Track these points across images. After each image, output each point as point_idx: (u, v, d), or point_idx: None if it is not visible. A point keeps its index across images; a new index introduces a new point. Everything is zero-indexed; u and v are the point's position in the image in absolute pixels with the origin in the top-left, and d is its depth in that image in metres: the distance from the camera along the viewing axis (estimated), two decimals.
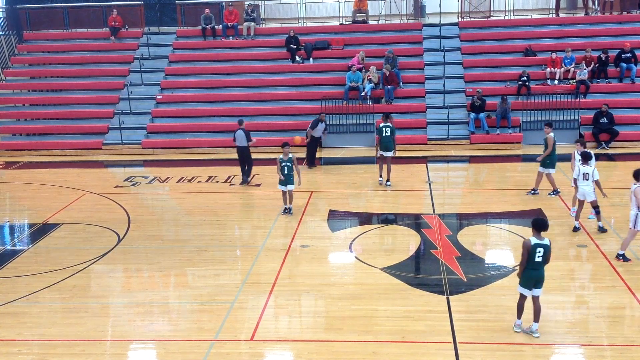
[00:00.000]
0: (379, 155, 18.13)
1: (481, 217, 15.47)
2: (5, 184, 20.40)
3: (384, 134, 17.96)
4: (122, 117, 23.74)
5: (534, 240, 9.56)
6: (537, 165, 19.83)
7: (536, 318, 9.82)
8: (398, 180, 18.75)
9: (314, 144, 20.57)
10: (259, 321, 10.52)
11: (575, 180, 13.83)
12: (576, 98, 22.42)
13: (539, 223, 9.66)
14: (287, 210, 15.67)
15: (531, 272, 9.64)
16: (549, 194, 16.51)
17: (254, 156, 19.81)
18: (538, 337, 9.74)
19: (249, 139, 18.50)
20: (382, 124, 18.11)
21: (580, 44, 24.31)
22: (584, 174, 13.72)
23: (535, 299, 9.78)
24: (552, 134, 16.43)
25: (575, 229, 13.99)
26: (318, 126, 20.23)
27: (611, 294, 11.17)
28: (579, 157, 14.34)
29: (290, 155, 15.57)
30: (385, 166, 18.08)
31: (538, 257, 9.53)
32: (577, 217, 14.11)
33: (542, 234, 9.62)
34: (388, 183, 18.05)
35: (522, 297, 9.89)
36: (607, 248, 13.08)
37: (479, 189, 18.48)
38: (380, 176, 18.32)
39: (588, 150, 14.26)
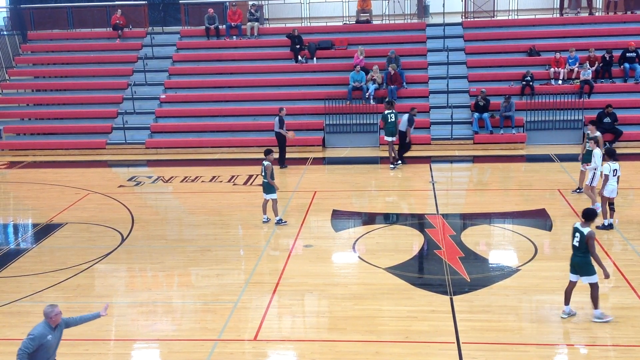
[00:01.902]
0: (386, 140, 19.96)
1: (485, 217, 15.45)
2: (9, 184, 20.45)
3: (389, 120, 19.69)
4: (125, 117, 23.76)
5: (577, 224, 10.11)
6: (541, 166, 19.87)
7: (594, 305, 10.12)
8: (402, 180, 18.76)
9: (403, 139, 20.13)
10: (263, 321, 10.52)
11: (607, 177, 13.72)
12: (580, 98, 22.37)
13: (586, 212, 10.14)
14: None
15: (571, 254, 10.15)
16: (573, 192, 16.40)
17: (254, 156, 19.91)
18: (601, 322, 10.02)
19: (280, 126, 19.95)
20: (387, 111, 19.83)
21: (584, 43, 24.25)
22: (614, 170, 13.75)
23: (591, 286, 10.06)
24: (598, 132, 16.09)
25: (611, 226, 13.94)
26: (412, 121, 20.12)
27: (615, 294, 11.15)
28: (599, 155, 14.37)
29: None
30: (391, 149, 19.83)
31: (575, 241, 10.02)
32: (605, 215, 14.02)
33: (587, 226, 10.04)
34: (392, 166, 19.64)
35: (570, 283, 10.22)
36: (611, 248, 13.06)
37: (483, 189, 18.46)
38: (397, 159, 19.89)
39: (611, 147, 14.33)
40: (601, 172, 14.06)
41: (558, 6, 27.34)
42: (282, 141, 20.16)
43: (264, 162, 14.87)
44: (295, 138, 20.54)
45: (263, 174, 14.87)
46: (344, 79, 23.95)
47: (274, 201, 14.95)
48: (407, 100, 23.68)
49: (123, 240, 14.46)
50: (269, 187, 14.87)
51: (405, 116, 20.07)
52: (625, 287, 11.33)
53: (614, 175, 13.75)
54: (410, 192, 17.65)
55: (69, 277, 12.45)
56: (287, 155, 20.60)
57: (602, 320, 10.03)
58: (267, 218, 15.12)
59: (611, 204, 13.98)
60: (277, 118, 20.22)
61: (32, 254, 13.96)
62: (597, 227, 13.98)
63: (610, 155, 13.94)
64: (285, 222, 15.01)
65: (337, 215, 15.68)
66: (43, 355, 7.80)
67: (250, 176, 19.32)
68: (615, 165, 13.80)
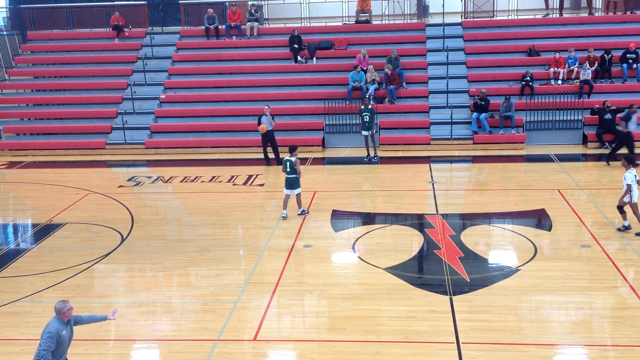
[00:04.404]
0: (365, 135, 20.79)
1: (484, 217, 15.45)
2: (9, 184, 20.44)
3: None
4: (125, 117, 23.75)
5: None
6: (541, 166, 19.86)
7: None
8: (401, 180, 18.76)
9: (629, 139, 19.29)
10: (262, 321, 10.52)
11: (630, 186, 13.47)
12: (580, 98, 22.37)
13: None
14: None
15: None
16: None
17: (254, 156, 20.05)
18: None
19: (259, 122, 20.63)
20: (370, 107, 20.80)
21: (583, 43, 24.25)
22: (635, 175, 13.57)
23: None
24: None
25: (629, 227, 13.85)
26: (632, 118, 19.42)
27: (615, 295, 11.15)
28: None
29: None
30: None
31: None
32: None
33: None
34: (366, 159, 20.79)
35: None
36: (610, 248, 13.05)
37: (482, 189, 18.46)
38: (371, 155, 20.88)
39: (630, 154, 14.18)
40: (628, 184, 13.52)
41: (547, 7, 27.33)
42: (273, 138, 20.59)
43: (290, 158, 15.27)
44: (266, 131, 20.62)
45: (288, 169, 15.22)
46: (344, 79, 23.95)
47: (299, 195, 15.53)
48: (407, 100, 23.70)
49: (123, 240, 14.45)
50: (295, 182, 15.32)
51: (625, 113, 19.79)
52: (625, 287, 11.34)
53: (636, 181, 13.51)
54: (410, 192, 17.64)
55: (69, 277, 12.45)
56: (287, 155, 20.60)
57: None
58: (303, 210, 15.60)
59: (621, 206, 13.84)
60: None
61: (32, 254, 13.95)
62: (637, 234, 13.66)
63: (630, 162, 13.70)
64: (308, 212, 15.59)
65: (336, 215, 15.67)
66: (59, 352, 7.82)
67: (250, 176, 19.32)
68: (634, 171, 13.54)
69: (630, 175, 13.51)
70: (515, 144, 21.82)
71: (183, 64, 26.46)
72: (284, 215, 15.37)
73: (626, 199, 13.61)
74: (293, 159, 15.29)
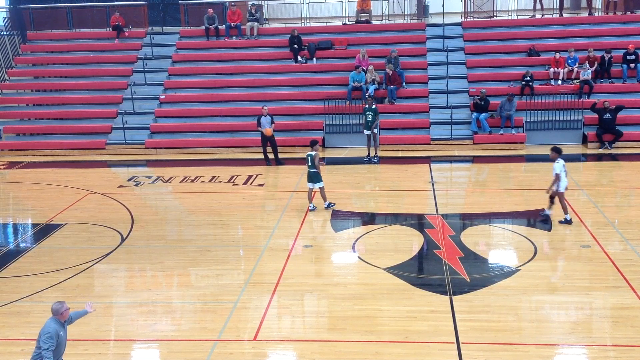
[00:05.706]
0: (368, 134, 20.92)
1: (484, 217, 15.44)
2: (8, 184, 20.44)
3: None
4: (125, 117, 23.76)
5: None
6: (541, 166, 19.86)
7: None
8: (401, 180, 18.76)
9: None
10: (262, 321, 10.52)
11: (559, 176, 14.16)
12: (580, 98, 22.37)
13: None
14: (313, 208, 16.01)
15: None
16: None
17: (254, 156, 20.01)
18: None
19: (258, 124, 20.84)
20: (374, 106, 20.86)
21: (583, 44, 24.25)
22: (563, 165, 14.30)
23: None
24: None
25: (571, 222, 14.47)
26: None
27: (615, 295, 11.14)
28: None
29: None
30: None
31: None
32: (566, 210, 14.50)
33: None
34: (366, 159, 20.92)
35: None
36: (611, 249, 13.05)
37: (482, 189, 18.46)
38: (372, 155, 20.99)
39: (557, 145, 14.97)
40: (557, 174, 14.15)
41: (534, 7, 27.32)
42: (272, 138, 20.71)
43: (310, 152, 15.78)
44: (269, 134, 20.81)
45: (310, 164, 15.71)
46: (344, 79, 23.95)
47: (322, 189, 15.85)
48: (407, 100, 23.70)
49: (123, 240, 14.45)
50: (315, 177, 15.74)
51: None
52: (625, 287, 11.33)
53: (564, 170, 14.16)
54: (410, 192, 17.64)
55: (69, 278, 12.45)
56: (288, 155, 20.71)
57: None
58: (314, 206, 15.87)
59: (552, 197, 14.34)
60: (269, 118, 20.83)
61: (32, 254, 13.95)
62: (560, 222, 14.18)
63: (558, 152, 14.36)
64: (334, 204, 15.98)
65: (336, 215, 15.67)
66: (57, 353, 7.83)
67: (250, 176, 19.32)
68: (562, 161, 14.23)
69: (558, 165, 14.09)
70: (515, 144, 21.82)
71: (183, 64, 26.46)
72: (311, 207, 15.83)
73: (554, 188, 14.14)
74: (313, 153, 15.73)
